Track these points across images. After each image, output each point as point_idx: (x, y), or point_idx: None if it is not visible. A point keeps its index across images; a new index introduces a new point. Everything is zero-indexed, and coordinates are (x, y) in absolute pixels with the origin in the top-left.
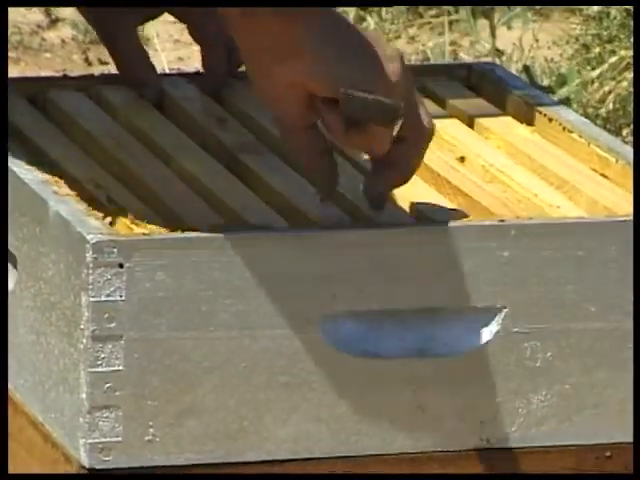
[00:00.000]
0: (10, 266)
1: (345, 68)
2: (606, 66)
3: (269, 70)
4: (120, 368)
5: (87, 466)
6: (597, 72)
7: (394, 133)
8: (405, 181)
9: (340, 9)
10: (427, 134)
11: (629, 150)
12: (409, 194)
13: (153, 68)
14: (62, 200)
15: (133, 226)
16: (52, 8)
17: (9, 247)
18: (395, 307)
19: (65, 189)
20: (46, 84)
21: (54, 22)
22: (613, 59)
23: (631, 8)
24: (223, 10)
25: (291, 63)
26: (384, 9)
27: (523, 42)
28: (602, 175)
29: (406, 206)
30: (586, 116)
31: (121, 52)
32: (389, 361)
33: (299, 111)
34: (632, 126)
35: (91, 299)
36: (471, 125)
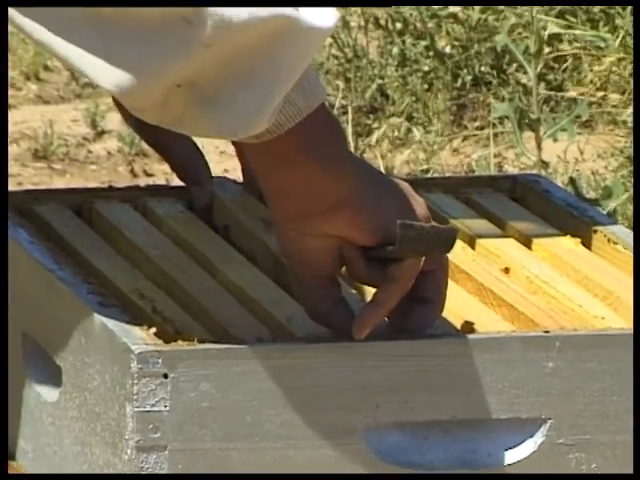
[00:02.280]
0: (55, 377)
1: (385, 212)
2: None
3: (305, 220)
4: None
5: None
6: None
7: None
8: (440, 314)
9: (386, 125)
10: (447, 261)
11: None
12: (454, 305)
13: (207, 166)
14: (107, 311)
15: (178, 336)
16: (98, 120)
17: (55, 358)
18: (439, 418)
19: (110, 299)
20: (92, 195)
21: (100, 134)
22: None
23: None
24: (245, 148)
25: (332, 215)
26: (429, 122)
27: (568, 154)
28: None
29: (450, 317)
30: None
31: (173, 152)
32: (433, 472)
33: (330, 262)
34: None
35: (136, 409)
36: (516, 236)
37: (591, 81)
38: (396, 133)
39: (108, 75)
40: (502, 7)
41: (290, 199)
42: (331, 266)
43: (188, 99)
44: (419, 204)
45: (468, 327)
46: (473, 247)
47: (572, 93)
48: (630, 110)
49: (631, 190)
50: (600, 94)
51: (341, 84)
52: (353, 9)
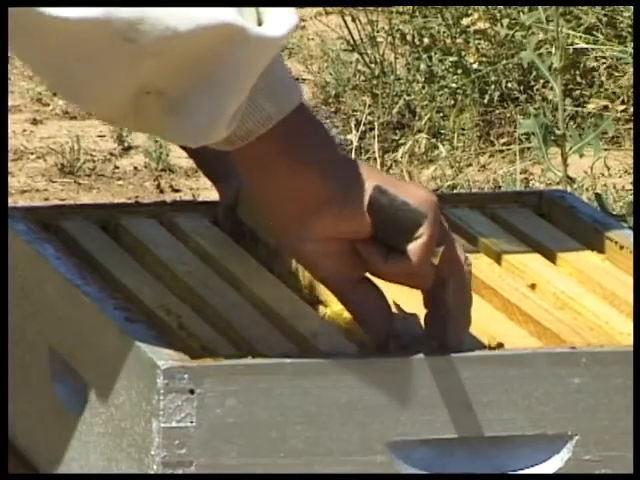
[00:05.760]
0: (82, 392)
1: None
2: None
3: (300, 225)
4: None
5: None
6: None
7: (434, 263)
8: (465, 328)
9: (412, 140)
10: (465, 274)
11: None
12: (480, 321)
13: (232, 162)
14: (133, 326)
15: (204, 352)
16: (125, 136)
17: (81, 373)
18: (466, 434)
19: (136, 315)
20: (118, 211)
21: (127, 150)
22: None
23: None
24: (237, 162)
25: (320, 215)
26: (456, 138)
27: (595, 170)
28: None
29: (477, 333)
30: None
31: (199, 148)
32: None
33: (346, 264)
34: None
35: (162, 425)
36: (542, 252)
37: (617, 96)
38: (422, 149)
39: (71, 91)
40: (530, 23)
41: (277, 205)
42: (350, 269)
43: (158, 106)
44: (419, 186)
45: (494, 343)
46: (499, 263)
47: (600, 104)
48: None
49: None
50: (626, 108)
51: (368, 100)
52: (380, 25)
